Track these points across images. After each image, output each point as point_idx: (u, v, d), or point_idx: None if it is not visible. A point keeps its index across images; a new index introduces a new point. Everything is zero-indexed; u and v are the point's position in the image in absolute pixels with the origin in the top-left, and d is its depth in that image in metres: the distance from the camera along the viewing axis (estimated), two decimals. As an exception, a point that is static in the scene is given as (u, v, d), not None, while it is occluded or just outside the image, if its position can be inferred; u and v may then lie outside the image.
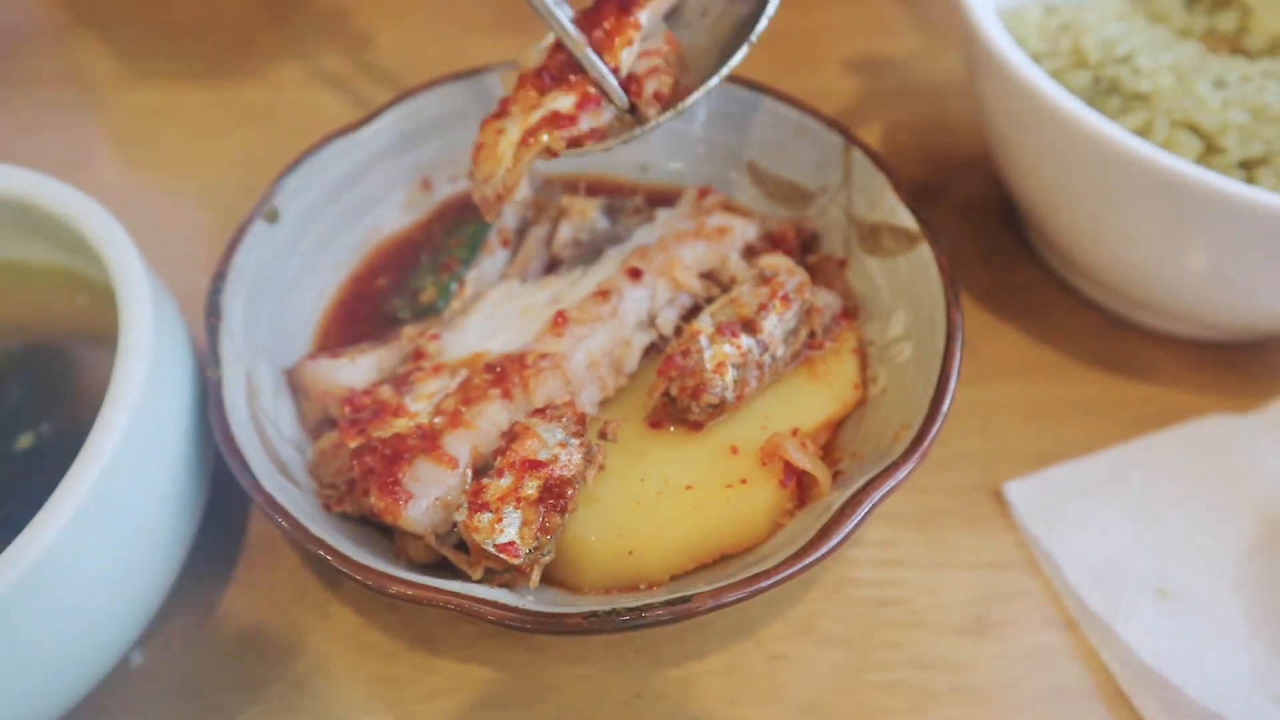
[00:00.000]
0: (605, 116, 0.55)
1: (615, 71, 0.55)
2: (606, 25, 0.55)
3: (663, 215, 0.66)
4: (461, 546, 0.50)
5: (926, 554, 0.60)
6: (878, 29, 0.96)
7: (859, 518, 0.47)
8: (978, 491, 0.64)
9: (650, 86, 0.56)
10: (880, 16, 0.97)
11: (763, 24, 0.56)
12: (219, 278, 0.56)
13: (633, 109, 0.56)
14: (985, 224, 0.79)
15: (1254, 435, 0.66)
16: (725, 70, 0.56)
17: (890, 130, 0.86)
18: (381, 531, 0.53)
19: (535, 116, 0.54)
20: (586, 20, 0.56)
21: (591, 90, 0.55)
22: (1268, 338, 0.73)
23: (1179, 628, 0.57)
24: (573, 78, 0.55)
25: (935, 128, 0.86)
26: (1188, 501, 0.63)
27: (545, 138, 0.53)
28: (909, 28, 0.95)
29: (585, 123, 0.54)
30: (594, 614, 0.44)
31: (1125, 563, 0.60)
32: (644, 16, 0.56)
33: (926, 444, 0.49)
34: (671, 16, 0.59)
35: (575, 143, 0.54)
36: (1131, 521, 0.62)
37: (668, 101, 0.56)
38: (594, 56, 0.55)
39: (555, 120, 0.53)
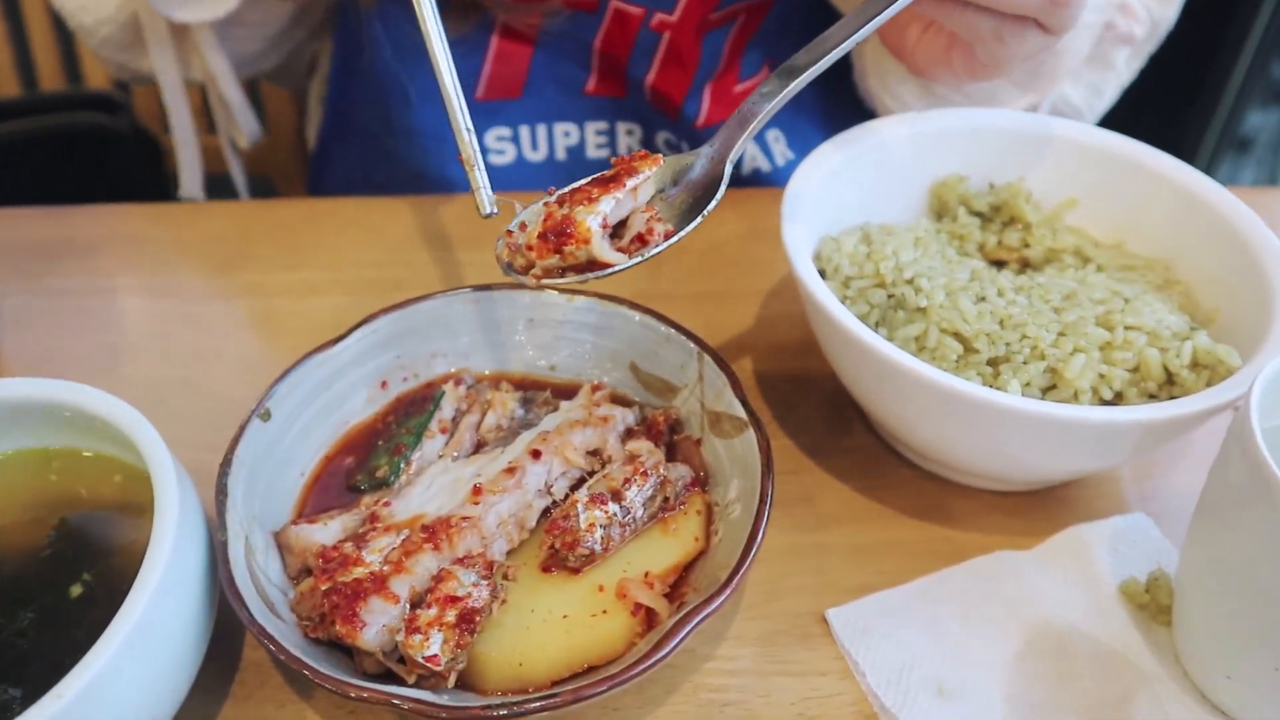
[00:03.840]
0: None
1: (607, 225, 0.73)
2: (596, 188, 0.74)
3: (565, 405, 0.85)
4: (401, 660, 0.67)
5: (763, 665, 0.76)
6: (756, 236, 1.19)
7: (684, 634, 0.65)
8: (807, 616, 0.80)
9: (659, 229, 0.74)
10: (757, 224, 1.20)
11: (713, 204, 0.74)
12: (225, 465, 0.74)
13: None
14: (829, 401, 0.98)
15: (1027, 567, 0.83)
16: (690, 227, 0.74)
17: (759, 325, 1.07)
18: (344, 652, 0.70)
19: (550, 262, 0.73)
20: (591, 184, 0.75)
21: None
22: (1046, 487, 0.92)
23: (950, 718, 0.75)
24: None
25: (797, 322, 1.07)
26: (969, 620, 0.80)
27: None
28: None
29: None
30: (488, 706, 0.61)
31: (914, 668, 0.76)
32: (630, 182, 0.74)
33: (736, 581, 0.67)
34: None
35: (592, 268, 0.72)
36: (923, 636, 0.78)
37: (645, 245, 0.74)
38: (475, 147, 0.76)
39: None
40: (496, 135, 1.29)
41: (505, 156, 1.30)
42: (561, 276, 0.73)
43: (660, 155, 0.78)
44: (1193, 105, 2.72)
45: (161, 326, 1.07)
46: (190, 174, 1.33)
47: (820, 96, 1.30)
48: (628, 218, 0.75)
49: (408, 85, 1.26)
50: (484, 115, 1.28)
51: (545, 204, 0.75)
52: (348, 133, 1.39)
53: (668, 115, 1.28)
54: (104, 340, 1.05)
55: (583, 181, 0.76)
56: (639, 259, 0.73)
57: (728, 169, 0.77)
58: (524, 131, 1.29)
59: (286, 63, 1.41)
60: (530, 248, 0.73)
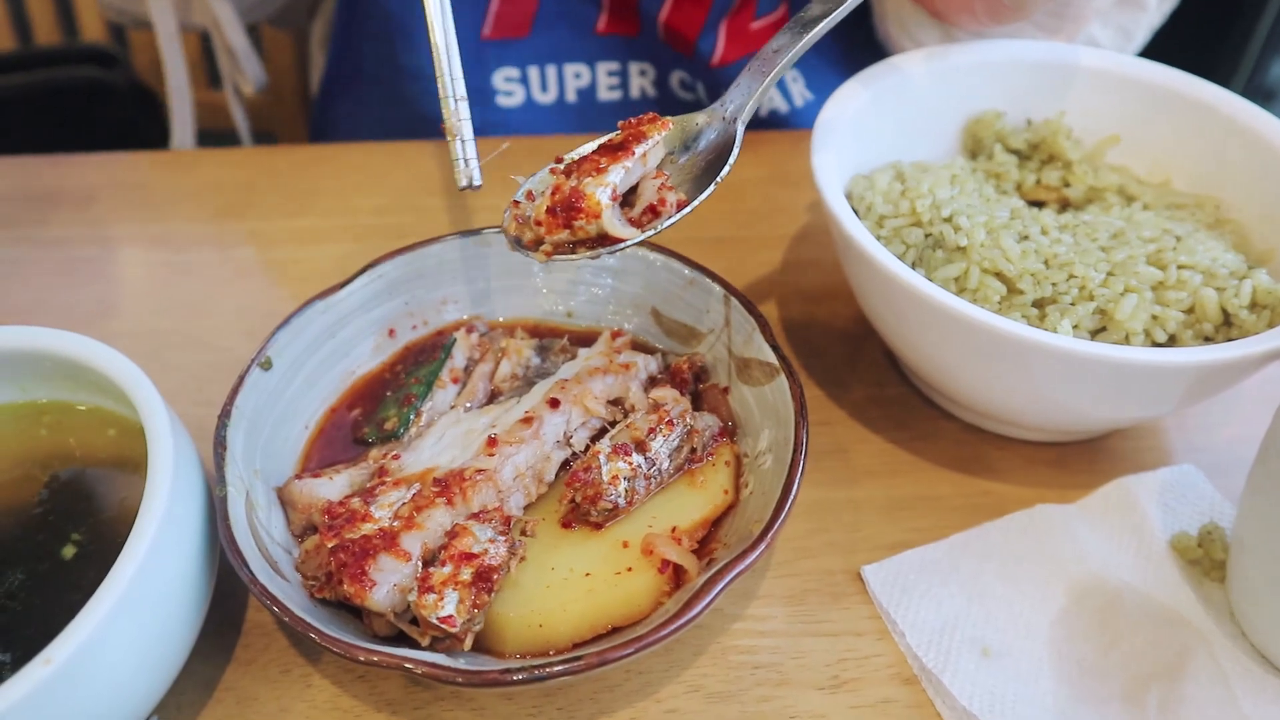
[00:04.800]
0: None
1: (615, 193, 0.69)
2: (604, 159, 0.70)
3: (583, 353, 0.81)
4: (414, 621, 0.63)
5: (795, 625, 0.72)
6: (778, 180, 1.14)
7: (715, 593, 0.61)
8: (841, 574, 0.76)
9: (671, 199, 0.69)
10: (779, 168, 1.15)
11: (726, 170, 0.70)
12: (224, 415, 0.70)
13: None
14: (860, 348, 0.93)
15: (1072, 521, 0.79)
16: (704, 195, 0.69)
17: (783, 270, 1.02)
18: (353, 613, 0.66)
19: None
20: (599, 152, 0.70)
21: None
22: (1089, 437, 0.87)
23: (996, 680, 0.70)
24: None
25: (823, 266, 1.02)
26: (1012, 577, 0.76)
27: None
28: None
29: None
30: (506, 670, 0.57)
31: (956, 628, 0.72)
32: (639, 149, 0.70)
33: (771, 535, 0.63)
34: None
35: (603, 243, 0.68)
36: (964, 595, 0.74)
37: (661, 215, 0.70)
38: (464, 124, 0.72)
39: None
40: (504, 76, 1.24)
41: (514, 98, 1.25)
42: (572, 251, 0.69)
43: (668, 119, 0.73)
44: (1217, 56, 2.65)
45: (158, 277, 1.02)
46: (182, 125, 1.28)
47: (840, 39, 1.24)
48: (637, 185, 0.71)
49: (412, 24, 1.20)
50: (491, 55, 1.22)
51: (551, 171, 0.71)
52: (352, 75, 1.33)
53: (682, 54, 1.22)
54: (97, 292, 1.00)
55: (589, 148, 0.72)
56: (651, 231, 0.69)
57: (739, 130, 0.72)
58: (533, 72, 1.24)
59: (290, 5, 1.35)
60: (539, 222, 0.69)
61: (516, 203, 0.71)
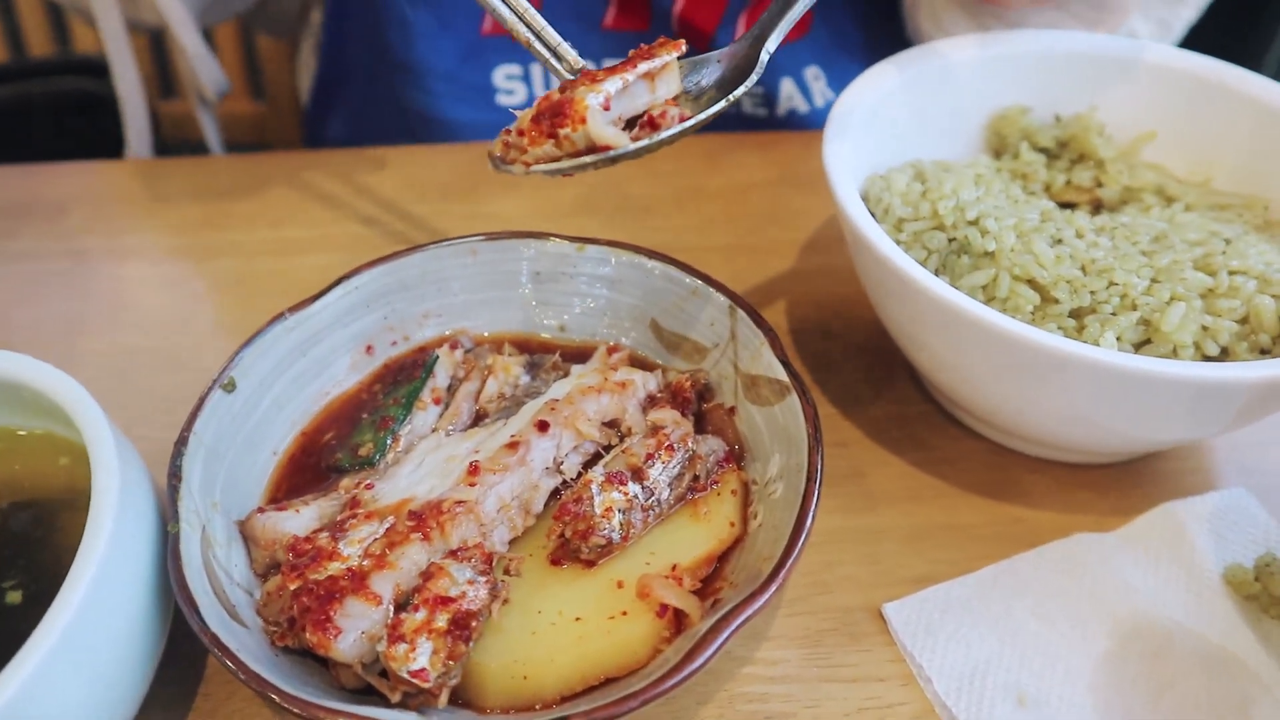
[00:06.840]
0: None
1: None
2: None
3: (576, 370, 0.75)
4: (384, 673, 0.57)
5: (811, 670, 0.66)
6: (789, 182, 1.07)
7: (721, 641, 0.54)
8: (860, 612, 0.70)
9: (673, 112, 0.65)
10: (790, 170, 1.08)
11: (742, 89, 0.66)
12: (180, 443, 0.64)
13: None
14: (878, 362, 0.87)
15: (1113, 552, 0.73)
16: (712, 110, 0.65)
17: (794, 279, 0.96)
18: (320, 661, 0.60)
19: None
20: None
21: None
22: (1129, 459, 0.81)
23: None
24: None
25: (837, 275, 0.96)
26: (1049, 615, 0.69)
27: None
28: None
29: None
30: (484, 733, 0.51)
31: (988, 673, 0.66)
32: (643, 65, 0.66)
33: (783, 575, 0.57)
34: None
35: (590, 150, 0.63)
36: (996, 636, 0.68)
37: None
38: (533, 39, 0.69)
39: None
40: (505, 74, 1.19)
41: (515, 97, 1.20)
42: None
43: (680, 42, 0.68)
44: (1244, 46, 2.60)
45: (131, 292, 0.97)
46: (137, 133, 1.21)
47: (864, 33, 1.18)
48: (645, 114, 0.66)
49: (411, 17, 1.15)
50: (492, 51, 1.17)
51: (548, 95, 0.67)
52: (344, 74, 1.28)
53: (697, 48, 1.16)
54: (66, 307, 0.95)
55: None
56: (646, 142, 0.64)
57: (764, 56, 0.68)
58: (536, 70, 1.19)
59: (266, 6, 1.29)
60: (522, 132, 0.64)
61: (508, 130, 0.66)
